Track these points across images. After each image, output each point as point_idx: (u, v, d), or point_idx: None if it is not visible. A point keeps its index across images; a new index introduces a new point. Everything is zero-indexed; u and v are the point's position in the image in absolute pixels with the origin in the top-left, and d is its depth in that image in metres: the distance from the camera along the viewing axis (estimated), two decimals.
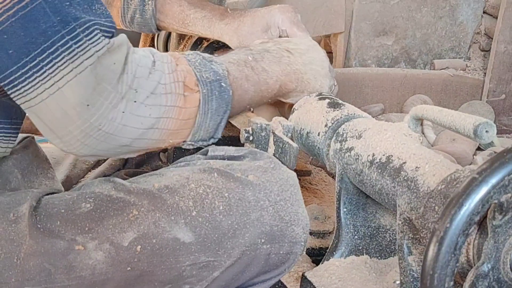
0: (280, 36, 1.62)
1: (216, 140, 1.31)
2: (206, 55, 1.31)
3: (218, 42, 1.98)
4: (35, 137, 1.41)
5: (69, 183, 1.60)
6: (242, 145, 1.44)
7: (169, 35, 2.23)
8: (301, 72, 1.50)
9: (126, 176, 1.50)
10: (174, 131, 1.22)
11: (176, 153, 1.70)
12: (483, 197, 0.93)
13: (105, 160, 1.70)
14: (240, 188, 1.20)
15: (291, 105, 1.58)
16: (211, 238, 1.17)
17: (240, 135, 1.44)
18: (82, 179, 1.62)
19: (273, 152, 1.44)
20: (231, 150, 1.31)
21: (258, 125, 1.43)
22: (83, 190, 1.20)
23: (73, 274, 1.10)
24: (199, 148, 1.32)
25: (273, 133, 1.44)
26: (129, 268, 1.13)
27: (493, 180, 0.93)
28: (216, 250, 1.17)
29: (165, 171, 1.25)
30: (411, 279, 1.19)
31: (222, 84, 1.27)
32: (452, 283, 0.94)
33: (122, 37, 1.14)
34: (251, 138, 1.43)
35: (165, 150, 1.71)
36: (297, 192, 1.25)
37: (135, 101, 1.12)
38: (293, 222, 1.23)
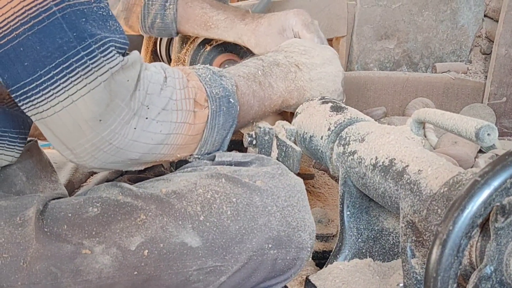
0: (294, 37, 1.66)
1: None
2: (216, 69, 1.32)
3: (222, 45, 1.99)
4: (38, 141, 1.42)
5: (71, 188, 1.60)
6: (246, 149, 1.44)
7: (171, 39, 2.24)
8: (304, 88, 1.52)
9: (129, 182, 1.50)
10: (182, 146, 1.23)
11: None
12: (486, 200, 0.93)
13: None
14: (248, 193, 1.21)
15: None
16: (218, 243, 1.17)
17: (244, 139, 1.45)
18: (84, 184, 1.62)
19: (276, 156, 1.45)
20: (238, 156, 1.32)
21: (261, 129, 1.43)
22: (90, 195, 1.20)
23: (80, 278, 1.10)
24: None
25: (276, 137, 1.45)
26: (136, 273, 1.13)
27: (495, 183, 0.93)
28: (223, 255, 1.17)
29: (172, 177, 1.25)
30: (415, 282, 1.19)
31: (231, 100, 1.29)
32: (455, 285, 0.94)
33: (135, 54, 1.15)
34: (254, 142, 1.44)
35: None
36: (304, 198, 1.26)
37: (146, 118, 1.14)
38: (300, 228, 1.23)
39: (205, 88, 1.25)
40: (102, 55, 1.07)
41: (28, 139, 1.39)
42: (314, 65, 1.54)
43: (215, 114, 1.26)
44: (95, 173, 1.70)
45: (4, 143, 1.21)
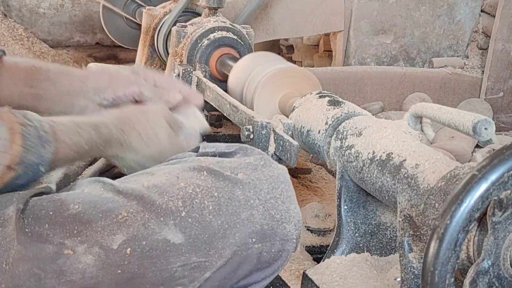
0: None
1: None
2: (46, 129, 1.22)
3: (219, 40, 1.99)
4: None
5: (67, 181, 1.59)
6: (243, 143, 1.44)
7: (169, 33, 2.24)
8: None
9: (122, 173, 1.49)
10: None
11: None
12: (483, 194, 0.94)
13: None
14: (230, 187, 1.20)
15: (292, 104, 1.59)
16: (201, 239, 1.16)
17: (241, 133, 1.45)
18: (80, 176, 1.61)
19: (274, 150, 1.45)
20: (221, 146, 1.30)
21: (259, 123, 1.43)
22: (72, 191, 1.20)
23: (63, 279, 1.10)
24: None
25: (274, 131, 1.45)
26: (119, 271, 1.13)
27: (493, 177, 0.94)
28: (207, 250, 1.17)
29: (156, 170, 1.24)
30: (412, 276, 1.19)
31: (40, 168, 1.21)
32: (452, 279, 0.94)
33: None
34: (251, 136, 1.44)
35: None
36: (288, 188, 1.25)
37: None
38: (284, 220, 1.23)
39: (20, 154, 1.17)
40: None
41: None
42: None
43: (19, 177, 1.19)
44: (91, 165, 1.69)
45: None
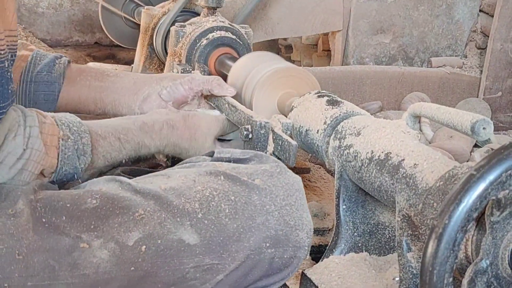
0: None
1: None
2: (84, 142, 1.29)
3: (218, 40, 1.99)
4: None
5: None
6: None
7: (167, 33, 2.24)
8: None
9: (123, 174, 1.50)
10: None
11: None
12: (481, 194, 0.93)
13: None
14: (246, 191, 1.21)
15: (290, 103, 1.59)
16: (216, 241, 1.17)
17: (240, 133, 1.45)
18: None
19: (273, 149, 1.45)
20: (237, 152, 1.32)
21: (258, 122, 1.43)
22: (89, 188, 1.20)
23: (77, 272, 1.11)
24: None
25: (272, 130, 1.45)
26: (133, 268, 1.13)
27: (491, 177, 0.94)
28: (220, 253, 1.17)
29: (171, 172, 1.25)
30: (411, 276, 1.19)
31: (75, 176, 1.28)
32: (451, 279, 0.94)
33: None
34: (250, 135, 1.44)
35: None
36: (302, 197, 1.26)
37: None
38: (297, 227, 1.24)
39: (56, 167, 1.24)
40: None
41: None
42: None
43: (53, 182, 1.26)
44: None
45: None
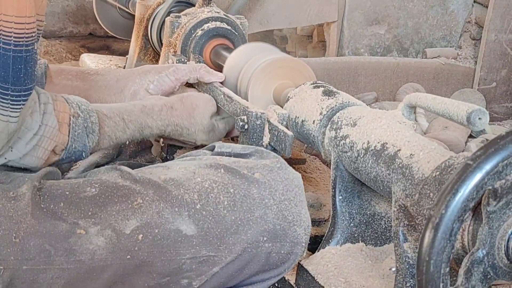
0: None
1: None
2: (92, 120, 1.30)
3: (213, 30, 1.99)
4: None
5: (60, 171, 1.61)
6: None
7: (162, 23, 2.24)
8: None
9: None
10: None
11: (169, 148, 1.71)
12: (478, 184, 0.94)
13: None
14: (246, 185, 1.21)
15: (286, 94, 1.59)
16: (213, 233, 1.17)
17: (235, 124, 1.45)
18: (73, 168, 1.62)
19: (268, 140, 1.45)
20: (237, 147, 1.33)
21: (253, 113, 1.43)
22: (89, 177, 1.21)
23: (73, 258, 1.11)
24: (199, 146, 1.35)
25: (268, 121, 1.45)
26: (128, 257, 1.14)
27: (487, 167, 0.94)
28: (217, 245, 1.18)
29: (171, 164, 1.26)
30: (407, 266, 1.20)
31: (83, 155, 1.30)
32: (447, 269, 0.95)
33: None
34: (246, 126, 1.44)
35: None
36: (301, 193, 1.27)
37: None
38: (295, 223, 1.24)
39: (67, 144, 1.24)
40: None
41: None
42: None
43: (62, 160, 1.27)
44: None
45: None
